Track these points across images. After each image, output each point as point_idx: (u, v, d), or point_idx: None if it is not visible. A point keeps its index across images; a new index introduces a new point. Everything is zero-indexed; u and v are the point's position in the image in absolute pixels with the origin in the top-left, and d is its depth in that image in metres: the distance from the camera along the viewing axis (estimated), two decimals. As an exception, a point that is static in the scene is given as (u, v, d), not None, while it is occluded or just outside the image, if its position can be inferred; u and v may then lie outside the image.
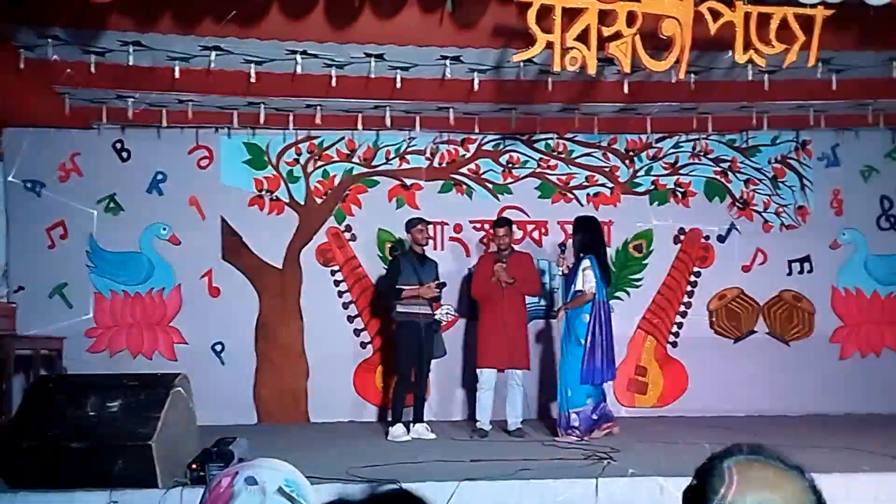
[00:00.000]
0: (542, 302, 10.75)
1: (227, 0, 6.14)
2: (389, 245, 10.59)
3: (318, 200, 10.69)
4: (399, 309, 9.35)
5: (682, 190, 11.04)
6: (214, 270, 10.52)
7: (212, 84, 8.33)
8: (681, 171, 11.06)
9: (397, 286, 9.31)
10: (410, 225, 9.56)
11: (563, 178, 10.95)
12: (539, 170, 10.93)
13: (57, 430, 6.38)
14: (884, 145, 11.12)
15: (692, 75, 7.90)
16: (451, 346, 9.96)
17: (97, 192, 10.40)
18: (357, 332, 10.65)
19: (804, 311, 11.07)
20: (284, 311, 10.59)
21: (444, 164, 10.82)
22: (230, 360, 10.49)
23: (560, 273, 9.63)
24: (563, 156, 10.95)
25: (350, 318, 10.65)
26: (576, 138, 10.88)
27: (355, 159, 10.72)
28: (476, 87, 8.23)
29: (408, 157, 10.76)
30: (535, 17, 5.63)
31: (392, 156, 10.75)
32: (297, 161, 10.67)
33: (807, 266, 11.09)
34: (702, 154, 11.05)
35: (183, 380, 6.84)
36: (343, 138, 10.64)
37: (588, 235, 9.28)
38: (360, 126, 9.89)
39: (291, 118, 9.79)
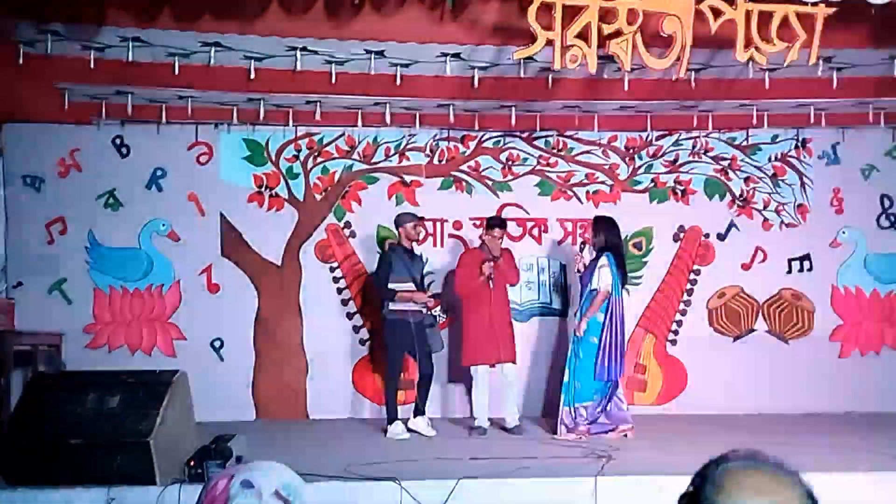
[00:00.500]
0: (548, 300, 10.76)
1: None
2: (389, 242, 10.54)
3: (318, 197, 10.67)
4: (391, 307, 9.33)
5: (682, 188, 11.02)
6: (214, 267, 10.51)
7: (211, 80, 8.33)
8: (681, 169, 11.04)
9: (390, 285, 9.30)
10: (402, 221, 9.52)
11: (563, 175, 10.93)
12: (539, 167, 10.91)
13: (55, 427, 6.37)
14: (884, 144, 11.08)
15: (693, 73, 7.88)
16: (448, 343, 9.98)
17: (97, 188, 10.39)
18: (356, 329, 10.64)
19: (804, 310, 11.06)
20: (283, 308, 10.58)
21: (444, 161, 10.80)
22: (229, 356, 10.48)
23: (575, 271, 9.64)
24: (563, 153, 10.93)
25: (349, 315, 10.64)
26: (576, 136, 10.86)
27: (355, 156, 10.70)
28: (476, 84, 8.22)
29: (408, 153, 10.74)
30: (535, 15, 5.62)
31: (392, 152, 10.73)
32: (296, 157, 10.66)
33: (807, 264, 11.07)
34: (702, 152, 11.03)
35: (181, 377, 6.82)
36: (343, 135, 10.62)
37: (607, 234, 9.27)
38: (360, 123, 9.88)
39: (291, 114, 9.78)
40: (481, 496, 6.55)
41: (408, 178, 10.74)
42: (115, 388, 6.56)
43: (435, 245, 10.54)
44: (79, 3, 6.33)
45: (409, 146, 10.72)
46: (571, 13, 5.78)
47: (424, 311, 9.40)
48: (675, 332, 11.00)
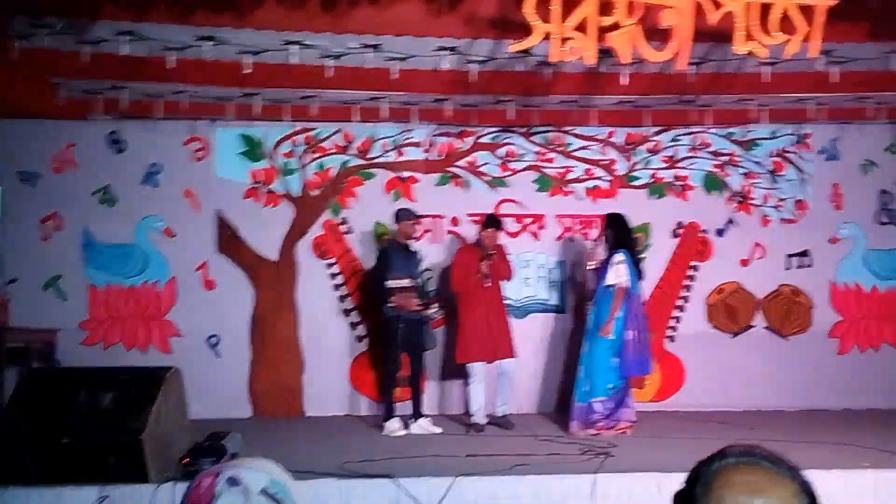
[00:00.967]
0: (546, 297, 10.73)
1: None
2: (386, 238, 10.49)
3: (314, 193, 10.61)
4: (389, 304, 9.32)
5: (680, 183, 10.97)
6: (209, 263, 10.46)
7: (207, 75, 8.26)
8: (679, 165, 10.98)
9: (387, 282, 9.29)
10: (402, 217, 9.54)
11: (561, 171, 10.88)
12: (536, 163, 10.85)
13: (47, 424, 6.32)
14: (884, 139, 11.03)
15: (692, 67, 7.81)
16: (442, 340, 9.95)
17: (92, 184, 10.32)
18: (353, 326, 10.58)
19: (803, 306, 11.01)
20: (280, 305, 10.52)
21: (441, 157, 10.73)
22: (225, 353, 10.43)
23: (589, 268, 9.65)
24: (560, 149, 10.87)
25: (346, 312, 10.58)
26: (573, 131, 10.80)
27: (351, 151, 10.64)
28: (473, 78, 8.16)
29: (404, 149, 10.67)
30: (533, 7, 5.56)
31: (389, 148, 10.66)
32: (292, 153, 10.59)
33: (805, 260, 11.02)
34: (700, 147, 10.97)
35: (175, 373, 6.77)
36: (339, 130, 10.55)
37: (620, 231, 9.32)
38: (356, 118, 9.81)
39: (287, 110, 9.70)
40: (478, 493, 6.51)
41: (405, 174, 10.67)
42: (108, 385, 6.52)
43: (433, 241, 10.47)
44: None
45: (405, 142, 10.66)
46: (569, 5, 5.72)
47: (420, 308, 9.38)
48: (674, 329, 10.96)
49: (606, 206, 10.61)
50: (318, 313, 10.53)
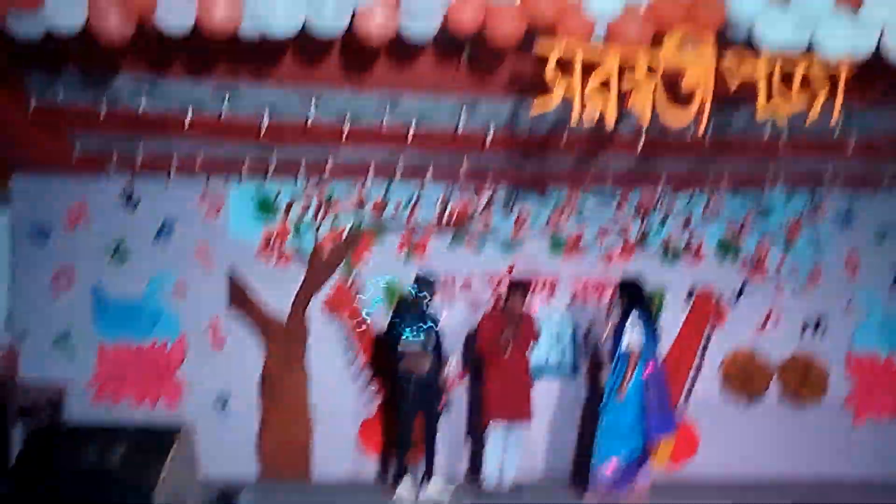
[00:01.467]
0: (559, 359, 10.64)
1: (241, 45, 6.04)
2: (398, 298, 10.45)
3: (327, 252, 10.56)
4: (401, 365, 9.30)
5: (694, 247, 10.91)
6: (220, 321, 10.40)
7: (223, 131, 8.23)
8: (693, 229, 10.94)
9: (401, 343, 9.30)
10: (423, 285, 9.57)
11: (575, 233, 10.83)
12: (550, 224, 10.81)
13: (56, 482, 6.23)
14: (898, 207, 11.02)
15: (709, 131, 7.78)
16: (456, 402, 9.86)
17: (104, 240, 10.30)
18: (363, 387, 10.48)
19: (818, 374, 10.89)
20: (290, 364, 10.43)
21: (454, 217, 10.70)
22: (234, 412, 10.34)
23: (604, 335, 9.67)
24: (574, 210, 10.83)
25: (357, 373, 10.49)
26: (588, 193, 10.77)
27: (365, 210, 10.61)
28: (490, 137, 8.15)
29: (418, 208, 10.65)
30: (554, 68, 5.54)
31: (402, 207, 10.64)
32: (305, 211, 10.56)
33: (821, 328, 10.94)
34: (715, 212, 10.93)
35: (186, 431, 6.68)
36: (353, 189, 10.53)
37: (634, 295, 9.34)
38: (370, 176, 9.78)
39: (302, 167, 9.68)
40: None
41: (418, 233, 10.63)
42: (117, 443, 6.43)
43: (444, 302, 10.40)
44: (90, 52, 6.25)
45: (419, 201, 10.63)
46: (589, 66, 5.70)
47: (433, 370, 9.33)
48: (687, 395, 10.84)
49: (620, 269, 10.59)
50: (328, 373, 10.44)
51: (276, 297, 10.45)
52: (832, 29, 5.74)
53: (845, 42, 5.76)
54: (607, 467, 8.96)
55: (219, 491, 6.77)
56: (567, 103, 5.72)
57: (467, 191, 10.63)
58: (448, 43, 6.04)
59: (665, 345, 10.72)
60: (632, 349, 8.99)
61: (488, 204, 10.71)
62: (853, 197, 10.96)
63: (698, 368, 10.86)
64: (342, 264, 10.56)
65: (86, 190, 10.25)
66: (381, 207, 10.60)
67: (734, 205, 10.94)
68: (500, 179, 10.27)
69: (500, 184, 10.49)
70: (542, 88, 5.71)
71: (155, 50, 6.56)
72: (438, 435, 9.52)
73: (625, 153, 8.95)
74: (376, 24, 5.39)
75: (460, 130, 8.08)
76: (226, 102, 7.54)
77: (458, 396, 10.27)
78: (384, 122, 7.92)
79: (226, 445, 9.91)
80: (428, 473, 9.31)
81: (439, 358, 9.55)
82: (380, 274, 10.55)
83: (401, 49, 6.26)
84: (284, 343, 10.44)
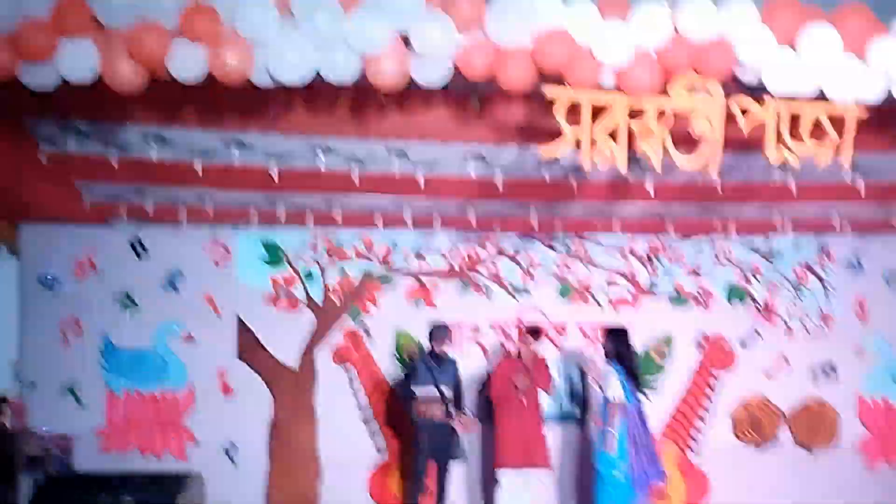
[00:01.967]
0: (566, 406, 10.60)
1: (250, 94, 6.06)
2: (407, 346, 10.43)
3: (335, 299, 10.56)
4: (416, 410, 9.25)
5: (703, 293, 10.90)
6: (228, 369, 10.36)
7: (232, 180, 8.24)
8: (702, 275, 10.92)
9: (415, 390, 9.30)
10: (435, 336, 9.64)
11: (583, 279, 10.82)
12: (558, 271, 10.80)
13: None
14: (907, 251, 11.00)
15: (719, 176, 7.78)
16: (477, 447, 9.83)
17: (112, 289, 10.30)
18: (372, 435, 10.43)
19: (829, 420, 10.84)
20: (298, 413, 10.39)
21: (462, 264, 10.69)
22: (242, 462, 10.27)
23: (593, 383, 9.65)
24: (582, 257, 10.83)
25: (366, 421, 10.44)
26: (596, 239, 10.77)
27: (373, 258, 10.61)
28: (498, 185, 8.15)
29: (426, 256, 10.65)
30: (564, 113, 5.56)
31: (410, 254, 10.64)
32: (314, 260, 10.56)
33: (832, 373, 10.89)
34: (723, 257, 10.93)
35: (196, 478, 6.64)
36: (361, 236, 10.54)
37: (614, 344, 9.32)
38: (379, 224, 9.78)
39: (310, 215, 9.69)
40: None
41: (426, 281, 10.62)
42: (127, 492, 6.40)
43: (453, 350, 10.36)
44: (101, 101, 6.27)
45: (427, 248, 10.63)
46: (598, 111, 5.72)
47: (447, 417, 9.30)
48: (698, 442, 10.78)
49: (628, 316, 10.59)
50: (337, 422, 10.40)
51: (285, 345, 10.44)
52: (841, 74, 5.77)
53: (854, 87, 5.78)
54: None
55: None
56: (577, 150, 5.73)
57: (476, 238, 10.63)
58: (458, 89, 6.06)
59: (677, 392, 10.73)
60: (614, 401, 8.95)
61: (497, 251, 10.70)
62: (862, 241, 10.94)
63: (709, 414, 10.79)
64: (350, 312, 10.54)
65: (94, 240, 10.25)
66: (389, 254, 10.60)
67: (742, 250, 10.92)
68: (509, 227, 10.26)
69: (508, 231, 10.48)
70: (552, 134, 5.72)
71: (166, 99, 6.58)
72: (450, 483, 9.47)
73: (634, 199, 8.95)
74: (386, 72, 5.41)
75: (470, 177, 8.09)
76: (235, 151, 7.54)
77: (469, 443, 10.17)
78: (395, 169, 7.92)
79: (234, 495, 9.84)
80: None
81: (458, 403, 9.51)
82: (388, 322, 10.53)
83: (411, 96, 6.28)
84: (293, 391, 10.41)
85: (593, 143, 5.70)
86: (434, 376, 9.38)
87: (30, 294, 10.18)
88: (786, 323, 10.93)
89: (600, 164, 5.79)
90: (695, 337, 10.88)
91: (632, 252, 10.87)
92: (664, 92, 5.76)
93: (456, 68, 5.45)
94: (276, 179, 7.91)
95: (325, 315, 10.54)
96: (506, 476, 9.49)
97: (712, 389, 10.85)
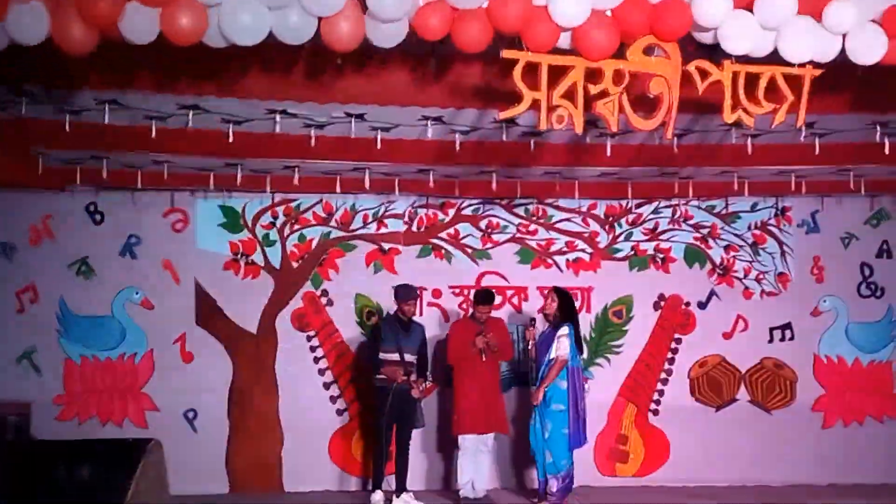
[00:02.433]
0: (527, 369, 10.61)
1: (206, 58, 5.99)
2: (367, 310, 10.43)
3: (295, 264, 10.53)
4: (379, 376, 9.27)
5: (662, 256, 10.96)
6: (188, 335, 10.32)
7: (189, 144, 8.17)
8: (661, 237, 10.98)
9: (378, 354, 9.27)
10: (401, 296, 9.53)
11: (543, 243, 10.85)
12: (519, 235, 10.83)
13: (23, 500, 6.14)
14: (863, 212, 11.09)
15: (676, 139, 7.81)
16: (427, 412, 9.82)
17: (69, 256, 10.21)
18: (333, 399, 10.43)
19: (786, 379, 10.96)
20: (259, 378, 10.38)
21: (422, 229, 10.70)
22: (202, 427, 10.26)
23: (529, 345, 9.65)
24: (542, 221, 10.86)
25: (326, 385, 10.44)
26: (556, 203, 10.79)
27: (332, 223, 10.58)
28: (457, 148, 8.14)
29: (386, 220, 10.64)
30: (521, 75, 5.53)
31: (370, 219, 10.62)
32: (273, 224, 10.53)
33: (788, 333, 11.00)
34: (682, 220, 10.98)
35: (155, 445, 6.62)
36: (320, 201, 10.51)
37: (566, 306, 9.38)
38: (338, 189, 9.73)
39: (268, 180, 9.64)
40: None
41: (386, 246, 10.61)
42: (85, 459, 6.35)
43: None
44: (55, 66, 6.18)
45: (387, 213, 10.62)
46: (557, 73, 5.70)
47: (406, 380, 9.28)
48: (657, 402, 10.87)
49: (588, 279, 10.67)
50: (297, 386, 10.40)
51: (244, 310, 10.41)
52: (797, 35, 5.77)
53: (809, 47, 5.79)
54: (556, 477, 9.03)
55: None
56: (535, 112, 5.71)
57: (436, 202, 10.62)
58: (415, 51, 6.02)
59: (635, 353, 10.80)
60: (559, 357, 9.05)
61: (456, 215, 10.71)
62: (818, 202, 11.01)
63: (667, 375, 10.88)
64: (310, 277, 10.51)
65: (50, 206, 10.16)
66: (348, 219, 10.57)
67: (700, 213, 10.97)
68: (469, 190, 10.25)
69: (468, 195, 10.47)
70: (511, 97, 5.70)
71: (119, 62, 6.49)
72: (411, 448, 9.50)
73: (593, 163, 8.96)
74: (342, 32, 5.35)
75: (429, 140, 8.07)
76: (191, 115, 7.48)
77: (428, 407, 10.18)
78: (353, 133, 7.88)
79: (195, 461, 9.80)
80: (400, 486, 9.27)
81: (422, 370, 9.51)
82: (348, 286, 10.51)
83: (368, 58, 6.25)
84: (253, 357, 10.39)
85: (551, 105, 5.68)
86: (399, 341, 9.32)
87: (-15, 261, 10.08)
88: (743, 284, 11.00)
89: (558, 126, 5.77)
90: (654, 299, 10.93)
91: (591, 215, 10.89)
92: (621, 54, 5.75)
93: (412, 28, 5.40)
94: (232, 144, 7.84)
95: (285, 280, 10.51)
96: (467, 441, 9.50)
97: (671, 350, 10.92)
